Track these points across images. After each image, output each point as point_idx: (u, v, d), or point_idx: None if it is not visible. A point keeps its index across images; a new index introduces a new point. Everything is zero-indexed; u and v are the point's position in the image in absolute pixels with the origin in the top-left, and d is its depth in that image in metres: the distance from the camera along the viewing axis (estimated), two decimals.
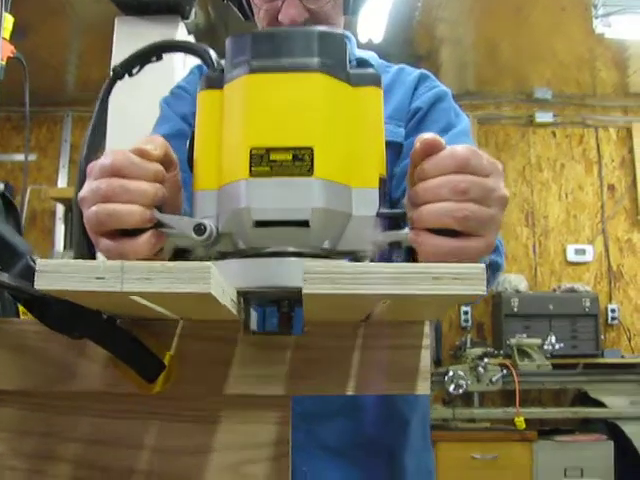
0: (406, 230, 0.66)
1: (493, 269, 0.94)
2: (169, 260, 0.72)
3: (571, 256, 4.92)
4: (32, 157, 4.83)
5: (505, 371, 4.00)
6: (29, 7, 3.27)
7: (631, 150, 5.03)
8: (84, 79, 4.66)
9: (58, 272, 0.50)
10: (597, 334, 4.43)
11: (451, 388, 3.91)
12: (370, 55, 1.31)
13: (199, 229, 0.64)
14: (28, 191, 4.76)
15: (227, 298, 0.57)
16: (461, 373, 3.93)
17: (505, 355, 4.19)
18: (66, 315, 0.60)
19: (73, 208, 0.70)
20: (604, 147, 5.06)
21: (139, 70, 0.77)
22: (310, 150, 0.63)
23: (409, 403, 1.14)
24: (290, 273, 0.61)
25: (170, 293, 0.50)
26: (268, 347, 0.71)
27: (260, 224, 0.64)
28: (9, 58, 2.10)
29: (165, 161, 0.69)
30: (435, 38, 4.33)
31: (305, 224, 0.63)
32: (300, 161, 0.63)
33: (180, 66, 2.70)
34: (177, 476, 0.72)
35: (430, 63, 4.46)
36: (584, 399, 4.29)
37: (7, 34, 2.09)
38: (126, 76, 0.76)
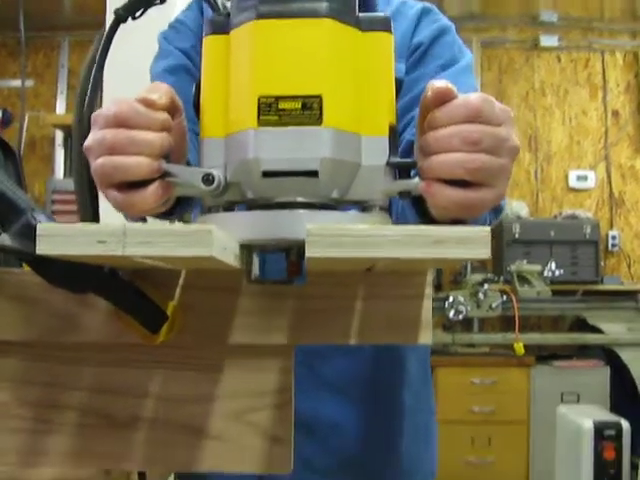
0: (416, 179, 0.65)
1: (496, 211, 0.94)
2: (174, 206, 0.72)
3: (573, 182, 4.90)
4: (29, 83, 4.76)
5: (505, 297, 4.03)
6: None
7: (637, 75, 4.94)
8: (81, 2, 4.54)
9: (59, 235, 0.49)
10: (597, 261, 4.43)
11: (451, 314, 3.93)
12: None
13: (207, 179, 0.64)
14: (26, 118, 4.69)
15: (230, 255, 0.57)
16: (461, 299, 3.95)
17: (505, 281, 4.21)
18: (68, 271, 0.60)
19: (73, 142, 0.69)
20: (610, 72, 4.96)
21: (142, 13, 0.74)
22: (319, 98, 0.62)
23: None
24: (298, 225, 0.60)
25: (172, 256, 0.50)
26: (270, 296, 0.71)
27: (268, 174, 0.63)
28: None
29: (171, 108, 0.68)
30: None
31: (314, 174, 0.63)
32: (309, 110, 0.62)
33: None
34: (181, 424, 0.73)
35: None
36: (582, 325, 4.33)
37: None
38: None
